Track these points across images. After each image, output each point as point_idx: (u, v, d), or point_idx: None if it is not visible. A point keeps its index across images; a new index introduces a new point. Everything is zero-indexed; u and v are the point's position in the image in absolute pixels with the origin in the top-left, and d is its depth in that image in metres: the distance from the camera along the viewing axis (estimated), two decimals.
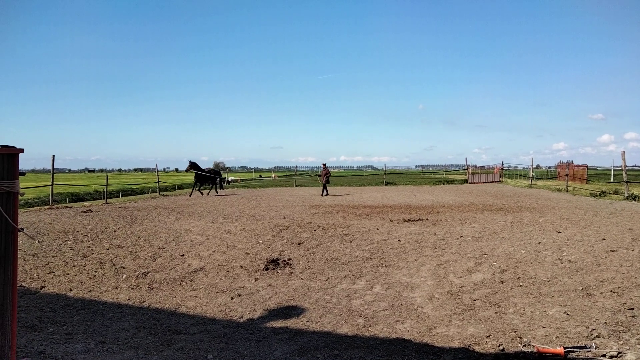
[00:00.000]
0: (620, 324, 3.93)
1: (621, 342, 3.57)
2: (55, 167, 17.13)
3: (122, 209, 13.55)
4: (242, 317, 4.99)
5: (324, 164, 21.96)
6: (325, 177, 21.22)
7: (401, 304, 5.10)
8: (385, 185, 31.33)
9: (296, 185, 30.68)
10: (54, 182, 16.65)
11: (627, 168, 16.30)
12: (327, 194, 20.50)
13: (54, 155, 16.63)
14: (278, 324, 4.71)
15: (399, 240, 8.01)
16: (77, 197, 27.08)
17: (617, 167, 28.20)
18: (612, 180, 27.78)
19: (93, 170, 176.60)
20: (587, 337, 3.74)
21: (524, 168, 39.45)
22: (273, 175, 65.93)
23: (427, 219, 10.51)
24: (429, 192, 22.78)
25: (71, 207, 14.72)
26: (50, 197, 16.56)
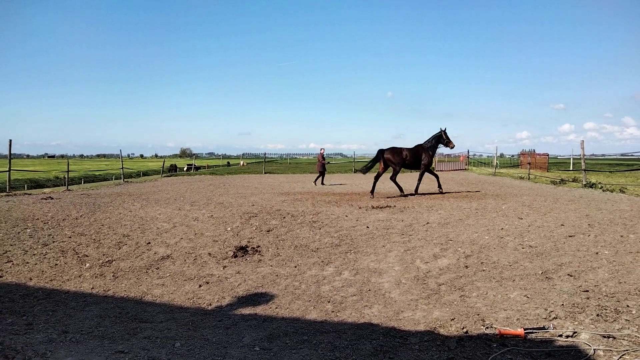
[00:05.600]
0: (576, 305, 4.11)
1: (576, 323, 3.74)
2: (12, 152, 16.39)
3: (85, 196, 13.15)
4: (210, 304, 4.95)
5: (322, 149, 20.15)
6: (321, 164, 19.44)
7: (369, 290, 5.18)
8: (355, 172, 31.54)
9: (265, 173, 30.48)
10: (12, 168, 15.95)
11: (585, 157, 16.95)
12: (317, 184, 18.84)
13: (11, 140, 15.91)
14: (247, 310, 4.70)
15: (368, 227, 8.10)
16: (36, 184, 26.09)
17: (576, 156, 29.33)
18: (571, 168, 28.88)
19: (53, 156, 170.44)
20: (545, 318, 3.90)
21: (488, 156, 40.50)
22: (241, 162, 65.14)
23: (394, 206, 10.66)
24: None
25: (30, 194, 14.17)
26: (7, 184, 15.86)
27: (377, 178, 13.91)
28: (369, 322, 4.24)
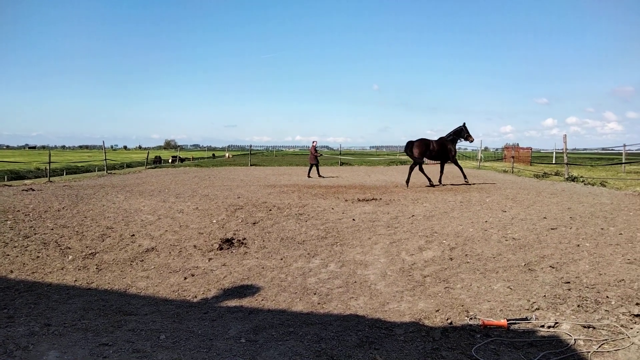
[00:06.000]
0: (557, 296, 4.19)
1: (558, 313, 3.81)
2: None
3: (67, 188, 12.94)
4: (195, 296, 4.93)
5: (314, 142, 19.98)
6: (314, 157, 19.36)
7: (355, 281, 5.20)
8: (341, 165, 31.58)
9: (251, 165, 30.33)
10: None
11: (567, 151, 17.20)
12: (312, 176, 18.85)
13: None
14: (233, 303, 4.69)
15: (354, 220, 8.13)
16: (16, 175, 25.61)
17: (558, 150, 29.74)
18: (554, 162, 29.29)
19: (34, 147, 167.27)
20: (528, 309, 3.97)
21: (472, 150, 40.84)
22: (227, 154, 64.66)
23: (380, 199, 10.71)
24: (383, 172, 23.16)
25: (10, 186, 13.89)
26: None
27: (420, 169, 14.45)
28: (354, 313, 4.26)
